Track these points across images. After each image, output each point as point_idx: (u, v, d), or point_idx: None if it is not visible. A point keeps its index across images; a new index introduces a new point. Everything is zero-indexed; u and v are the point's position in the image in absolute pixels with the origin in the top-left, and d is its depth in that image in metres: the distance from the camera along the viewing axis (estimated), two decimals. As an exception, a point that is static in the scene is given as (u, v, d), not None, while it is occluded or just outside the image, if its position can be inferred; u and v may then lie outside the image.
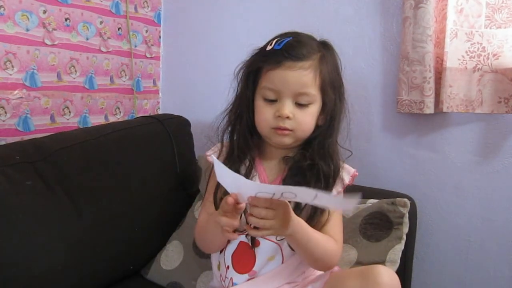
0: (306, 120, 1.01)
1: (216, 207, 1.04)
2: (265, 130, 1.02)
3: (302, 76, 0.97)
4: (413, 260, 1.33)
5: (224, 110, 1.09)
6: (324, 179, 1.01)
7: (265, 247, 1.02)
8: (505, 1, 1.24)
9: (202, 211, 1.11)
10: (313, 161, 1.00)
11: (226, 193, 1.01)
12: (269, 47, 1.00)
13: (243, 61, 1.06)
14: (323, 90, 1.01)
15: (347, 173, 1.06)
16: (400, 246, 1.17)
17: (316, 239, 0.95)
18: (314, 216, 0.99)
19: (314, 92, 0.99)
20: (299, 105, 0.99)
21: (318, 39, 1.06)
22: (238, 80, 1.06)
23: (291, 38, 1.00)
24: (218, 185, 1.05)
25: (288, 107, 0.98)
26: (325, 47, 1.04)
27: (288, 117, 0.98)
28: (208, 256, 1.21)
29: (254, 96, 1.03)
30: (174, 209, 1.43)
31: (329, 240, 0.99)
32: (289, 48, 0.97)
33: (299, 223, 0.91)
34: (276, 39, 1.01)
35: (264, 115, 1.00)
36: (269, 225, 0.86)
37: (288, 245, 1.01)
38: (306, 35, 1.03)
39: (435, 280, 1.44)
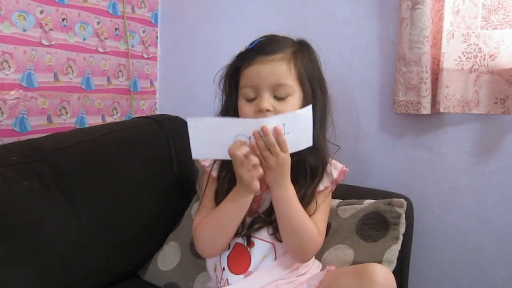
0: (288, 111, 0.99)
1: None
2: None
3: (275, 68, 0.99)
4: (410, 260, 1.33)
5: None
6: (311, 172, 1.02)
7: (260, 247, 1.03)
8: (501, 2, 1.25)
9: (197, 216, 1.09)
10: (299, 156, 0.99)
11: (227, 193, 1.01)
12: (243, 50, 1.04)
13: (222, 68, 1.08)
14: (301, 82, 1.01)
15: (335, 168, 1.06)
16: (397, 246, 1.17)
17: (299, 211, 0.98)
18: (302, 202, 1.00)
19: (290, 83, 0.99)
20: (278, 98, 0.99)
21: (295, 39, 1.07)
22: (221, 88, 1.08)
23: (264, 38, 1.03)
24: (219, 189, 1.06)
25: (266, 101, 0.98)
26: (300, 43, 1.06)
27: (268, 110, 0.98)
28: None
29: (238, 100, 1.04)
30: (171, 210, 1.43)
31: (311, 222, 1.00)
32: (261, 45, 1.01)
33: (292, 186, 0.97)
34: (250, 42, 1.04)
35: (245, 112, 1.01)
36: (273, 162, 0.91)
37: (279, 240, 1.02)
38: (281, 36, 1.05)
39: (431, 281, 1.44)
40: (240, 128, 0.91)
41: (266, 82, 0.98)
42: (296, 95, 1.01)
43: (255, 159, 0.91)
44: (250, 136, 0.91)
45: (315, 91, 1.03)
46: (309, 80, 1.02)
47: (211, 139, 0.92)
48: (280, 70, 0.99)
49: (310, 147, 0.96)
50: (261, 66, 0.99)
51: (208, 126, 0.92)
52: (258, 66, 0.99)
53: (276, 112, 0.98)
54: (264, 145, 0.90)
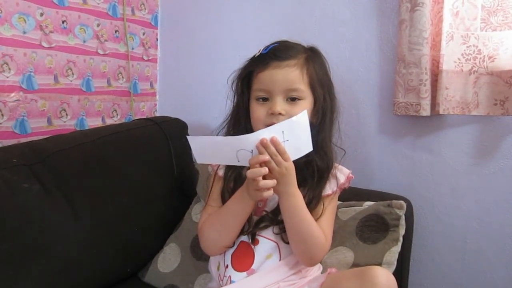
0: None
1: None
2: (260, 128, 1.03)
3: (289, 73, 1.01)
4: (410, 262, 1.33)
5: (223, 121, 1.11)
6: (318, 173, 1.04)
7: (264, 245, 1.04)
8: (500, 4, 1.25)
9: (203, 215, 1.11)
10: (307, 157, 1.01)
11: (233, 192, 1.03)
12: (257, 54, 1.06)
13: (235, 71, 1.10)
14: (312, 87, 1.04)
15: (341, 172, 1.09)
16: (397, 248, 1.17)
17: (307, 218, 0.99)
18: (309, 205, 1.01)
19: (303, 88, 1.03)
20: (290, 100, 1.02)
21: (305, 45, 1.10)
22: (233, 89, 1.10)
23: (278, 44, 1.06)
24: (225, 188, 1.08)
25: (279, 104, 1.01)
26: (312, 50, 1.09)
27: (280, 114, 1.00)
28: (205, 259, 1.21)
29: (250, 101, 1.06)
30: (171, 212, 1.43)
31: (318, 228, 1.01)
32: (275, 50, 1.04)
33: (299, 193, 0.98)
34: (264, 47, 1.06)
35: (258, 114, 1.04)
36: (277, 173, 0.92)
37: (285, 241, 1.03)
38: (293, 42, 1.08)
39: (431, 282, 1.44)
40: (241, 144, 0.92)
41: (279, 87, 1.01)
42: (307, 100, 1.04)
43: (264, 182, 0.91)
44: (252, 150, 0.91)
45: (324, 97, 1.06)
46: (319, 86, 1.05)
47: (214, 153, 0.94)
48: (293, 75, 1.02)
49: (317, 149, 0.99)
50: (275, 71, 1.02)
51: (208, 143, 0.94)
52: (272, 70, 1.02)
53: (288, 115, 1.00)
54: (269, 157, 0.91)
